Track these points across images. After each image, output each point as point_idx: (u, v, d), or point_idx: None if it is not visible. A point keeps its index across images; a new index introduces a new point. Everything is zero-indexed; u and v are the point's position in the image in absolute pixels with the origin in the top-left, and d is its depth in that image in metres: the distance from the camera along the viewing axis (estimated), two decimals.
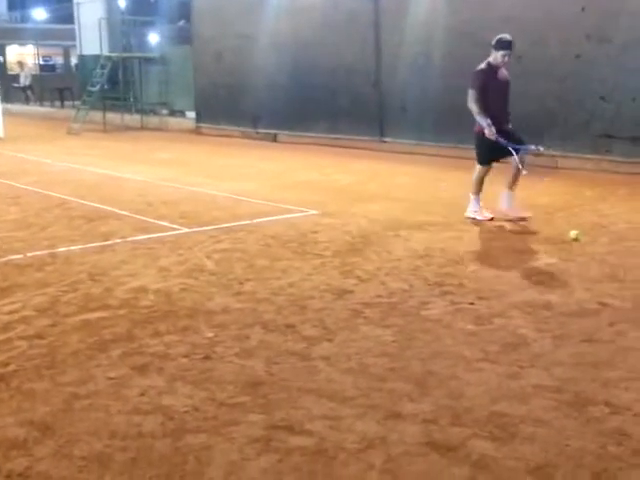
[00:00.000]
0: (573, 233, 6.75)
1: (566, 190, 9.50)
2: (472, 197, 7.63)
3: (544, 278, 5.63)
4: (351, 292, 5.35)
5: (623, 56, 10.74)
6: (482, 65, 7.46)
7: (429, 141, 13.42)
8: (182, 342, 4.42)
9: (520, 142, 7.42)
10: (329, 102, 15.22)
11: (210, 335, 4.53)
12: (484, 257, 6.24)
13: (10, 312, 4.97)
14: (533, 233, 7.09)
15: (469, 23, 12.62)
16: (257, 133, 17.10)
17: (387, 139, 14.47)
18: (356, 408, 3.52)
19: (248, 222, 7.78)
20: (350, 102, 14.90)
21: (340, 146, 14.78)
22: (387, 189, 9.93)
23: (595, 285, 5.42)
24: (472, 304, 5.03)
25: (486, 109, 7.28)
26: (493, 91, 7.35)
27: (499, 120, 7.34)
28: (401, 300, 5.15)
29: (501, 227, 7.33)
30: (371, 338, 4.44)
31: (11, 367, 4.08)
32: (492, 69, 7.40)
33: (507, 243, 6.68)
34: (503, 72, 7.49)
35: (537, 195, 8.72)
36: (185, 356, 4.21)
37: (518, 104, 12.34)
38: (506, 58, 7.33)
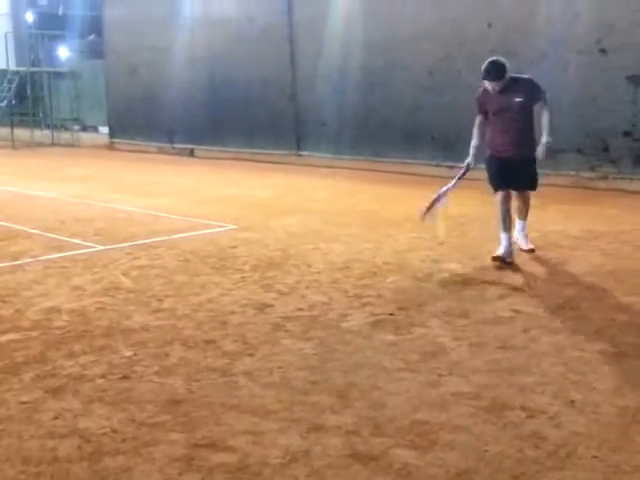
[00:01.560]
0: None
1: (481, 201, 9.74)
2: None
3: (460, 287, 5.75)
4: (272, 306, 5.34)
5: (529, 71, 11.12)
6: (480, 88, 6.57)
7: (346, 155, 13.58)
8: (99, 362, 4.30)
9: (517, 184, 6.56)
10: (245, 116, 15.21)
11: (128, 354, 4.42)
12: (402, 268, 6.34)
13: None
14: (448, 244, 7.24)
15: (382, 38, 12.88)
16: (173, 148, 16.91)
17: (304, 153, 14.55)
18: (279, 422, 3.50)
19: (166, 238, 7.66)
20: (266, 116, 14.93)
21: (257, 160, 14.78)
22: (305, 202, 9.97)
23: (509, 293, 5.58)
24: (391, 315, 5.09)
25: (488, 136, 6.54)
26: (491, 116, 6.47)
27: (500, 150, 6.45)
28: (321, 313, 5.16)
29: (418, 238, 7.46)
30: (293, 352, 4.43)
31: None
32: (488, 92, 6.42)
33: (423, 253, 6.80)
34: (507, 94, 6.32)
35: (451, 205, 8.90)
36: (102, 376, 4.09)
37: (431, 115, 12.77)
38: (497, 87, 6.31)
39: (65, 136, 20.25)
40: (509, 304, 5.29)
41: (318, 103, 14.06)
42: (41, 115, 22.03)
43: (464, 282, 5.89)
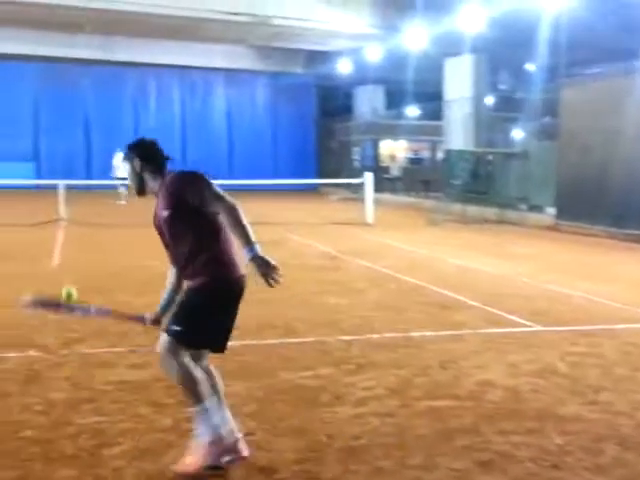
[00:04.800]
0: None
1: None
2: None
3: None
4: None
5: None
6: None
7: None
8: (528, 445, 4.26)
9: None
10: None
11: (559, 442, 4.29)
12: None
13: (365, 388, 5.28)
14: None
15: None
16: (623, 234, 16.16)
17: None
18: None
19: (606, 327, 7.31)
20: None
21: None
22: None
23: None
24: None
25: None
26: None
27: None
28: None
29: None
30: None
31: (362, 441, 4.31)
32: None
33: None
34: (158, 203, 3.98)
35: None
36: (531, 460, 4.04)
37: None
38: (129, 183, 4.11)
39: (511, 214, 20.84)
40: None
41: None
42: (491, 193, 23.09)
43: None
